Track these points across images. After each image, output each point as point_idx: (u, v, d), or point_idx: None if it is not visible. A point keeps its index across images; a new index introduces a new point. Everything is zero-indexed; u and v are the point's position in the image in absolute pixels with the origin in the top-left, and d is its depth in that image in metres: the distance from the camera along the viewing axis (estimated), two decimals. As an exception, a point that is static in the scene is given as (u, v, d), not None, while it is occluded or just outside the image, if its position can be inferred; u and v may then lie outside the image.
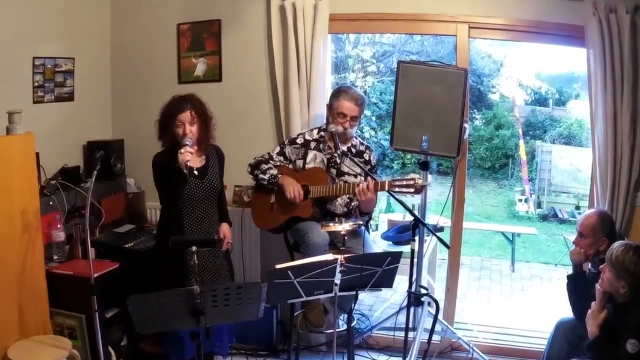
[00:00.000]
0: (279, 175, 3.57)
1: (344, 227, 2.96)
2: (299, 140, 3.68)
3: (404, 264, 3.04)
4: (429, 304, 3.77)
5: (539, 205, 10.76)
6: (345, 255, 2.72)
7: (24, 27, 3.69)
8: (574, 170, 10.78)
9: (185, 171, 3.00)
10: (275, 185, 3.58)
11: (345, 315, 3.59)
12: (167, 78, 4.40)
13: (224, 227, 3.47)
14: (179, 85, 4.34)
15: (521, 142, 11.12)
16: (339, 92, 3.58)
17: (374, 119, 10.79)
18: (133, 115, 4.52)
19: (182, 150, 3.04)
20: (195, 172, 3.18)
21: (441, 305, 3.94)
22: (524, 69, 12.50)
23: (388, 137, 4.12)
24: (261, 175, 3.61)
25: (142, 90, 4.49)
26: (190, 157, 3.05)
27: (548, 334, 3.41)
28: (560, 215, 10.20)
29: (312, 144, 3.65)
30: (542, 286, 6.55)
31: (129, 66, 4.53)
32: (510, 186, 11.90)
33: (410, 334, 3.42)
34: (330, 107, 3.60)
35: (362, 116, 3.71)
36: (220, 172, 3.43)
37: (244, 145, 4.08)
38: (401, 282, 4.14)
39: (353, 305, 3.57)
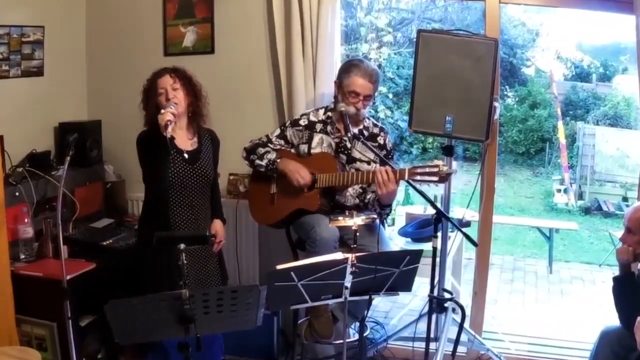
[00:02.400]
0: (278, 160, 3.55)
1: (356, 221, 2.94)
2: (303, 122, 3.65)
3: (424, 265, 3.02)
4: (453, 310, 3.76)
5: (580, 196, 10.77)
6: (357, 254, 2.70)
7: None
8: (620, 155, 10.76)
9: (165, 134, 2.98)
10: (275, 172, 3.56)
11: (357, 324, 3.58)
12: (152, 49, 4.40)
13: (217, 224, 3.46)
14: (165, 58, 4.33)
15: (560, 124, 11.11)
16: (349, 67, 3.54)
17: (390, 96, 10.78)
18: (112, 93, 4.52)
19: (163, 111, 3.05)
20: (185, 155, 3.16)
21: (467, 312, 3.93)
22: (563, 39, 12.46)
23: (406, 117, 4.10)
24: (258, 161, 3.59)
25: (122, 64, 4.48)
26: (171, 117, 3.04)
27: (591, 345, 3.40)
28: (605, 208, 10.20)
29: (318, 126, 3.62)
30: (584, 290, 6.54)
31: (107, 36, 4.52)
32: (547, 174, 11.90)
33: (432, 345, 3.40)
34: (339, 84, 3.57)
35: (376, 94, 3.68)
36: (214, 160, 3.42)
37: (239, 127, 4.07)
38: (421, 285, 4.14)
39: (366, 311, 3.56)
